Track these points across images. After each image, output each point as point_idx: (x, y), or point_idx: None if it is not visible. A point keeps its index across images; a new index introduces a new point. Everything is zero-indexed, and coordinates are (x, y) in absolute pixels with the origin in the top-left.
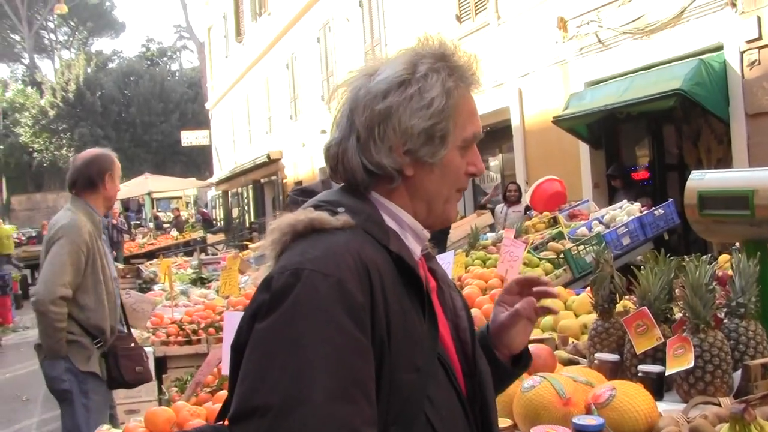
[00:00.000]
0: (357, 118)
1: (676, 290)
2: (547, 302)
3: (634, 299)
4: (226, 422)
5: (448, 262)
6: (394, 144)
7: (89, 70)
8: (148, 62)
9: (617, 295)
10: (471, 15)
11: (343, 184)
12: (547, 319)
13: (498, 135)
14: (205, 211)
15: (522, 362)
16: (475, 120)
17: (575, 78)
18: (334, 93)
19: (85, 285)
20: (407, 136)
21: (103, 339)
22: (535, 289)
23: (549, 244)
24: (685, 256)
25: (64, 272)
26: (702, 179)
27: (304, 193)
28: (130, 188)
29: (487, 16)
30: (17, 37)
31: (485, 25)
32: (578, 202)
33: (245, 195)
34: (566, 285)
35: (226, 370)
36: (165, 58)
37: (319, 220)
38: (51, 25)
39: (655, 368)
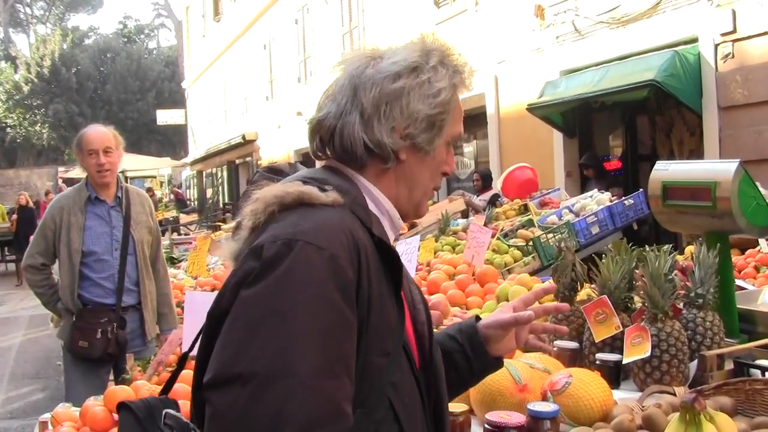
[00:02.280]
0: (363, 94)
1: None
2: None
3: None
4: (193, 396)
5: (414, 246)
6: (398, 125)
7: (65, 46)
8: (125, 39)
9: (579, 283)
10: (449, 0)
11: (325, 163)
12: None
13: (473, 122)
14: (179, 190)
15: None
16: (461, 121)
17: (551, 66)
18: (334, 69)
19: (59, 257)
20: (411, 120)
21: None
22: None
23: (519, 231)
24: (647, 246)
25: (34, 244)
26: (666, 170)
27: (272, 171)
28: None
29: (465, 2)
30: None
31: (463, 11)
32: (549, 191)
33: (219, 175)
34: (534, 272)
35: (186, 349)
36: (142, 36)
37: (308, 195)
38: None
39: (613, 357)
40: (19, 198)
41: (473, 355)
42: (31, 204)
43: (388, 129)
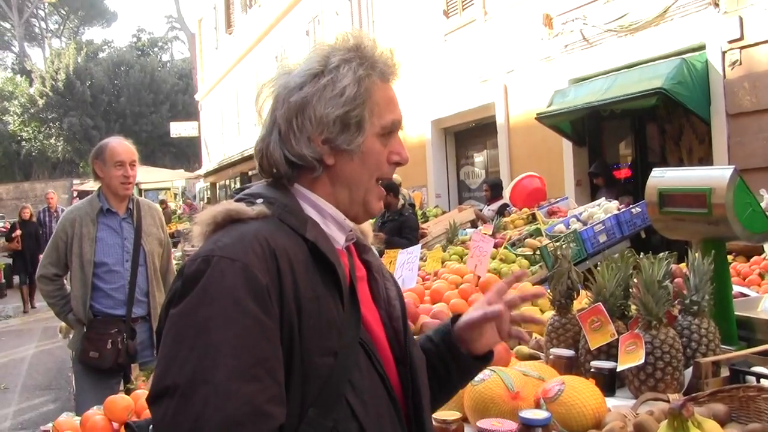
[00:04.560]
0: (277, 112)
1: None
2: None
3: None
4: None
5: (415, 255)
6: (312, 134)
7: (79, 60)
8: (139, 52)
9: (574, 292)
10: (458, 10)
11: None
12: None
13: (483, 131)
14: (192, 202)
15: (485, 357)
16: (394, 108)
17: (560, 75)
18: (260, 94)
19: (71, 268)
20: (323, 125)
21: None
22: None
23: (526, 240)
24: (642, 254)
25: (47, 254)
26: (663, 177)
27: (242, 191)
28: None
29: (474, 11)
30: (7, 25)
31: (472, 20)
32: (558, 200)
33: (233, 187)
34: (542, 281)
35: None
36: (156, 49)
37: (236, 211)
38: (42, 13)
39: (607, 364)
40: (21, 212)
41: (449, 355)
42: (35, 218)
43: (305, 140)
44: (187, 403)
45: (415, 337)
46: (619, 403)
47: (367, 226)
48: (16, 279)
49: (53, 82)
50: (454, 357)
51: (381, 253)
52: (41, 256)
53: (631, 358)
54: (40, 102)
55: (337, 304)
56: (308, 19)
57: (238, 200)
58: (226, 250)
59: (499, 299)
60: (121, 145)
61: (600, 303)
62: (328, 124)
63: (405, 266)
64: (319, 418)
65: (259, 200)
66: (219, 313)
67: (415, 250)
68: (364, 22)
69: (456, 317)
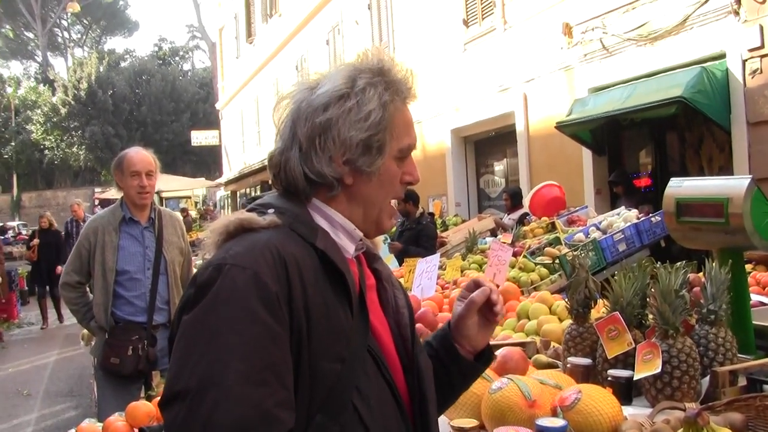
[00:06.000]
0: (299, 129)
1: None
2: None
3: None
4: None
5: (433, 264)
6: (334, 154)
7: (101, 69)
8: (160, 62)
9: (592, 301)
10: (478, 19)
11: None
12: (531, 323)
13: (503, 140)
14: (212, 210)
15: (484, 358)
16: (411, 131)
17: (579, 84)
18: (278, 105)
19: (93, 276)
20: (346, 147)
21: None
22: (479, 290)
23: (545, 249)
24: (659, 263)
25: (70, 262)
26: (680, 186)
27: (253, 200)
28: None
29: (494, 20)
30: (31, 35)
31: (492, 29)
32: (577, 208)
33: (253, 196)
34: (561, 290)
35: None
36: (177, 58)
37: (248, 220)
38: (64, 23)
39: (624, 373)
40: (40, 221)
41: (448, 358)
42: (55, 226)
43: (326, 159)
44: (197, 407)
45: None
46: (636, 412)
47: (377, 237)
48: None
49: (75, 91)
50: (454, 359)
51: (401, 262)
52: (60, 267)
53: (648, 367)
54: (63, 111)
55: (346, 312)
56: (328, 29)
57: (249, 210)
58: (238, 258)
59: (470, 291)
60: (137, 155)
61: (617, 312)
62: (351, 146)
63: (424, 275)
64: (327, 423)
65: (271, 210)
66: (230, 319)
67: (434, 259)
68: (384, 31)
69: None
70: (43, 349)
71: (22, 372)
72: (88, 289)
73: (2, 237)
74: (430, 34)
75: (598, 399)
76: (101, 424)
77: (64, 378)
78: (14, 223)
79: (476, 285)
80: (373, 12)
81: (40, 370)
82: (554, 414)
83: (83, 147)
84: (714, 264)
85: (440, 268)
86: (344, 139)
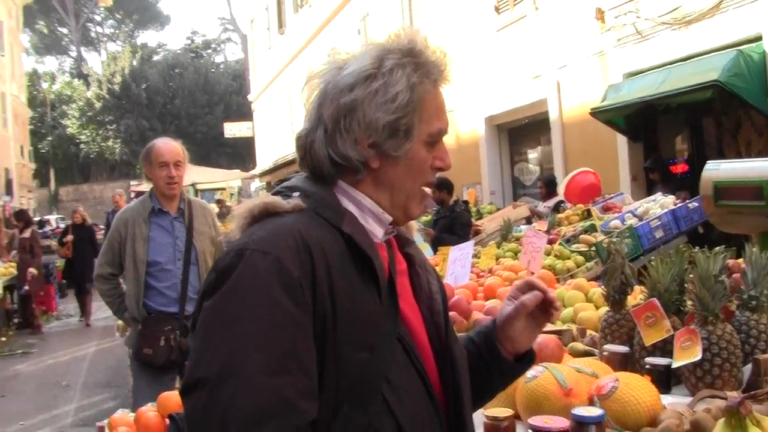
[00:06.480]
0: (325, 110)
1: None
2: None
3: None
4: None
5: (467, 252)
6: (359, 137)
7: (135, 63)
8: (193, 54)
9: (629, 287)
10: (509, 6)
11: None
12: (567, 311)
13: (537, 127)
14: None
15: (526, 359)
16: (442, 115)
17: (613, 69)
18: (306, 84)
19: (125, 267)
20: (372, 130)
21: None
22: (531, 294)
23: (581, 236)
24: (696, 248)
25: (102, 254)
26: (717, 169)
27: (281, 181)
28: None
29: (525, 7)
30: (65, 30)
31: (523, 16)
32: (612, 195)
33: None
34: (597, 278)
35: None
36: (209, 51)
37: (272, 204)
38: (98, 18)
39: (663, 361)
40: (73, 216)
41: (489, 357)
42: (89, 221)
43: (351, 142)
44: (216, 395)
45: (460, 335)
46: (675, 401)
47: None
48: None
49: (110, 85)
50: (495, 358)
51: (436, 250)
52: (95, 259)
53: (687, 355)
54: (98, 105)
55: (375, 298)
56: (359, 18)
57: (275, 193)
58: (260, 243)
59: (522, 292)
60: (166, 146)
61: (655, 298)
62: (376, 128)
63: (457, 262)
64: (354, 413)
65: (296, 193)
66: (250, 305)
67: (468, 246)
68: (415, 19)
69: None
70: (81, 340)
71: (61, 363)
72: (121, 280)
73: (41, 231)
74: (461, 21)
75: (636, 387)
76: (134, 414)
77: (102, 369)
78: (52, 217)
79: (529, 287)
80: (404, 0)
81: (78, 361)
82: (591, 403)
83: (118, 140)
84: (754, 248)
85: (475, 256)
86: (370, 121)
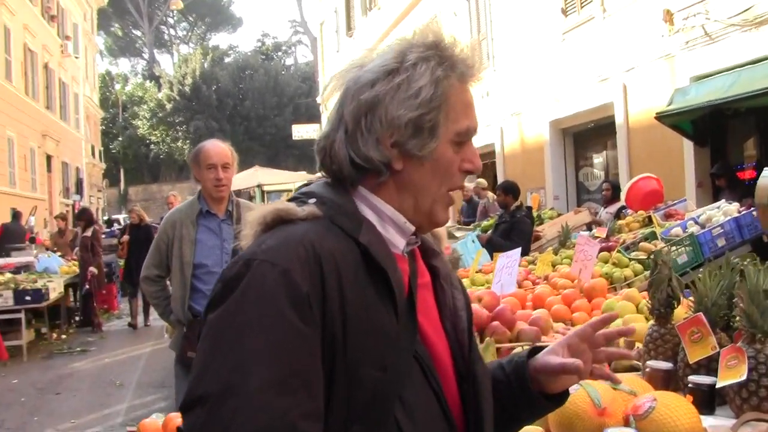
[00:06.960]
0: (345, 109)
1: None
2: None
3: None
4: None
5: (514, 259)
6: (381, 135)
7: (206, 64)
8: (263, 57)
9: (675, 300)
10: (577, 8)
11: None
12: (616, 322)
13: (602, 131)
14: None
15: (558, 399)
16: (471, 113)
17: (681, 72)
18: (327, 87)
19: (171, 269)
20: (394, 127)
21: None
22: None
23: (640, 244)
24: (748, 260)
25: (150, 256)
26: None
27: (304, 186)
28: (239, 180)
29: (593, 9)
30: (138, 33)
31: (590, 18)
32: (675, 202)
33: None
34: None
35: None
36: (280, 53)
37: (285, 211)
38: (170, 20)
39: (706, 379)
40: (130, 216)
41: (518, 390)
42: (146, 220)
43: (373, 141)
44: (217, 415)
45: (499, 346)
46: (718, 423)
47: (442, 229)
48: None
49: (180, 87)
50: (524, 393)
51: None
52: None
53: (732, 374)
54: (168, 106)
55: (390, 314)
56: (427, 21)
57: (291, 199)
58: (269, 253)
59: (580, 343)
60: (214, 148)
61: (701, 313)
62: (399, 126)
63: (504, 270)
64: None
65: (312, 200)
66: (255, 320)
67: (515, 253)
68: (482, 22)
69: (535, 350)
70: (139, 340)
71: (117, 362)
72: (168, 282)
73: (108, 229)
74: (528, 24)
75: (674, 408)
76: (163, 420)
77: (156, 369)
78: (121, 216)
79: (593, 329)
80: (471, 3)
81: (134, 360)
82: (626, 423)
83: (188, 141)
84: None
85: (532, 262)
86: (392, 118)
